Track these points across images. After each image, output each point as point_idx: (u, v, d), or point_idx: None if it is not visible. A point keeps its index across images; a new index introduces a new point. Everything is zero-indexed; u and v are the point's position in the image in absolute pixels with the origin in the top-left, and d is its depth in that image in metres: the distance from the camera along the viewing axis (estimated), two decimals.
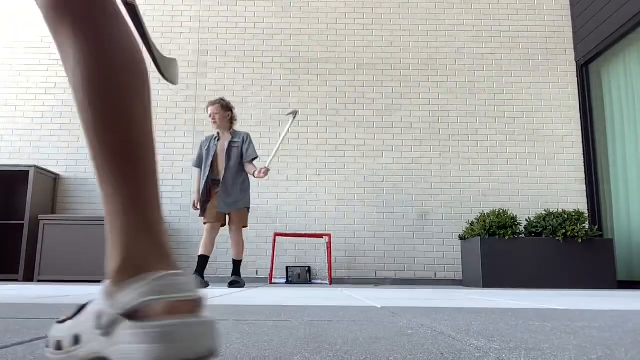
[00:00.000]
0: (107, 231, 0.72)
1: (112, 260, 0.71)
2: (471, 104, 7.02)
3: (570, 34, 7.17)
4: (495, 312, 1.96)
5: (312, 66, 7.13)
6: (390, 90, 7.04)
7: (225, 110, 5.10)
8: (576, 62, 7.06)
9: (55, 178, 6.78)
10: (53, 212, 6.68)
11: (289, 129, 5.24)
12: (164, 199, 6.71)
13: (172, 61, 1.13)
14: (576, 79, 7.04)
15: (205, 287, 4.56)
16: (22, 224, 6.16)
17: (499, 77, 7.10)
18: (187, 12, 7.29)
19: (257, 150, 5.22)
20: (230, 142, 5.04)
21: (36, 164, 6.47)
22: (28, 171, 6.29)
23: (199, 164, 5.13)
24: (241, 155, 5.00)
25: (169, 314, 0.64)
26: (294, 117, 5.28)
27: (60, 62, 7.14)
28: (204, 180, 4.94)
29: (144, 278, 0.66)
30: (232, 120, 5.15)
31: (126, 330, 0.63)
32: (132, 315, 0.64)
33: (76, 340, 0.73)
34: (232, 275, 4.89)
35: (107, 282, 0.70)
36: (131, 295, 0.65)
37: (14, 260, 6.14)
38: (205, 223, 4.87)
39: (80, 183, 6.81)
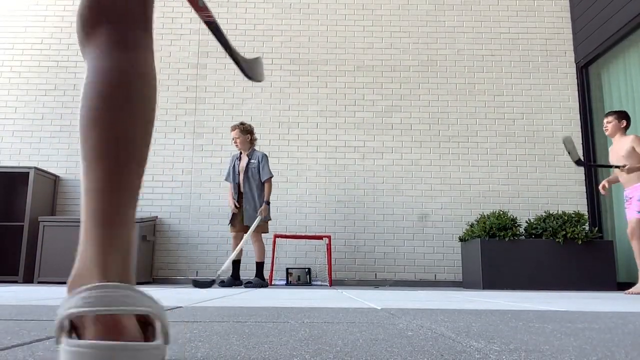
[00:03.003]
0: None
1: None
2: (471, 106, 7.02)
3: (570, 36, 7.17)
4: (495, 314, 1.96)
5: (312, 68, 7.14)
6: (390, 92, 7.04)
7: (244, 134, 5.74)
8: (576, 64, 7.07)
9: (55, 179, 6.78)
10: (53, 214, 6.68)
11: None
12: (164, 201, 6.72)
13: (256, 61, 1.18)
14: (576, 80, 7.04)
15: (239, 285, 5.58)
16: (22, 225, 6.16)
17: (499, 79, 7.10)
18: (187, 13, 7.30)
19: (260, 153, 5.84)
20: (249, 163, 5.73)
21: (36, 166, 6.47)
22: (28, 173, 6.29)
23: (228, 178, 5.88)
24: (259, 174, 5.71)
25: (96, 334, 0.61)
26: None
27: (60, 64, 7.16)
28: (234, 195, 5.74)
29: (79, 290, 0.62)
30: (252, 141, 5.83)
31: (61, 344, 0.59)
32: (65, 328, 0.61)
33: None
34: (255, 276, 5.65)
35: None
36: (62, 307, 0.62)
37: (13, 262, 6.13)
38: (231, 232, 5.74)
39: (80, 185, 6.79)
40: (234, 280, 5.61)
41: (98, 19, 0.77)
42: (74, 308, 0.60)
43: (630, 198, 4.86)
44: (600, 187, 5.16)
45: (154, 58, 0.81)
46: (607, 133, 5.18)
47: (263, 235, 5.77)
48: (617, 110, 5.29)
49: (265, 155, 5.80)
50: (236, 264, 5.66)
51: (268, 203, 5.65)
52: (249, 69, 1.11)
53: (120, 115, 0.74)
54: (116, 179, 0.72)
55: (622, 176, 4.96)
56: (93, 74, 0.76)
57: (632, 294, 4.69)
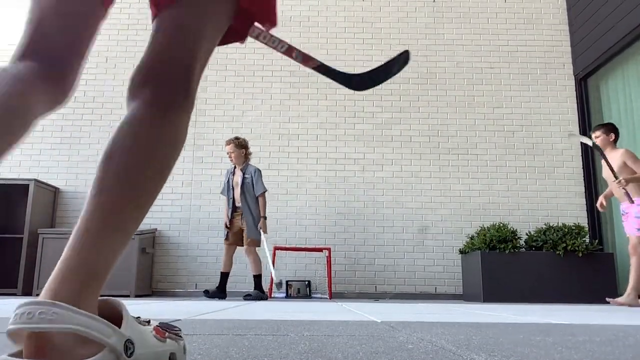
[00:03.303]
0: None
1: None
2: (470, 118, 7.04)
3: (569, 48, 7.21)
4: (496, 327, 1.95)
5: (312, 80, 7.17)
6: (389, 105, 7.07)
7: (239, 148, 5.77)
8: (575, 76, 7.10)
9: (55, 192, 6.78)
10: (52, 226, 6.67)
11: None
12: (163, 213, 6.71)
13: (371, 73, 1.24)
14: (575, 92, 7.07)
15: (222, 298, 5.49)
16: (22, 237, 6.15)
17: (498, 91, 7.13)
18: None
19: (258, 166, 5.95)
20: (243, 177, 5.75)
21: (36, 178, 6.47)
22: (28, 185, 6.29)
23: (223, 192, 5.94)
24: (253, 189, 5.71)
25: (26, 353, 0.63)
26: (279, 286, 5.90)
27: None
28: (228, 209, 5.78)
29: (17, 306, 0.65)
30: (246, 155, 5.86)
31: None
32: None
33: None
34: (254, 289, 5.64)
35: None
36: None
37: (13, 274, 6.11)
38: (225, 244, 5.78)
39: (80, 197, 6.81)
40: (219, 292, 5.60)
41: (144, 80, 0.86)
42: (9, 324, 0.63)
43: (627, 213, 4.85)
44: (598, 204, 5.15)
45: (189, 121, 0.89)
46: None
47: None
48: (604, 123, 5.26)
49: (259, 169, 5.83)
50: (224, 276, 5.68)
51: (265, 217, 5.69)
52: (356, 84, 1.20)
53: (133, 168, 0.79)
54: (106, 215, 0.75)
55: (616, 190, 4.94)
56: (122, 126, 0.82)
57: (615, 303, 4.72)
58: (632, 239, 4.76)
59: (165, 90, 0.86)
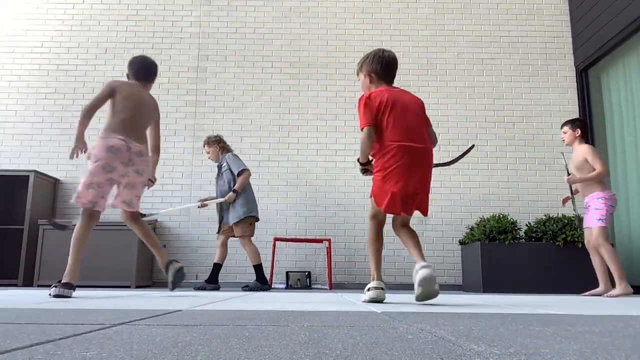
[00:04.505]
0: None
1: None
2: (471, 109, 7.02)
3: (570, 39, 7.18)
4: (496, 317, 1.96)
5: (312, 71, 7.14)
6: None
7: (212, 145, 5.80)
8: (575, 67, 7.08)
9: (55, 183, 6.78)
10: (53, 217, 6.67)
11: None
12: (164, 204, 6.71)
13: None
14: (575, 83, 7.05)
15: (216, 290, 5.42)
16: (22, 228, 6.16)
17: (499, 82, 7.10)
18: (187, 17, 7.31)
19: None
20: (219, 169, 5.76)
21: (36, 169, 6.47)
22: (28, 176, 6.29)
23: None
24: (233, 175, 5.61)
25: None
26: None
27: (60, 68, 7.16)
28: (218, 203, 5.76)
29: None
30: (222, 149, 5.82)
31: None
32: None
33: None
34: (255, 280, 5.57)
35: None
36: None
37: (13, 265, 6.13)
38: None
39: None
40: (207, 283, 5.55)
41: None
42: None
43: (589, 206, 4.90)
44: (562, 202, 5.21)
45: None
46: (565, 144, 5.24)
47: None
48: (573, 119, 5.31)
49: (234, 154, 5.76)
50: (216, 267, 5.65)
51: (236, 192, 5.50)
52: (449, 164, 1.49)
53: None
54: None
55: (579, 186, 5.03)
56: None
57: (590, 295, 4.80)
58: (594, 230, 4.80)
59: None
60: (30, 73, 7.17)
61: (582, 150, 4.93)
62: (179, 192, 6.80)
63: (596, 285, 4.95)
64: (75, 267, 3.50)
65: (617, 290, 4.68)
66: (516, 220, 5.98)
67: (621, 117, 6.29)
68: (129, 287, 5.88)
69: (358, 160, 3.14)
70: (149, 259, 6.47)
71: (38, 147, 6.94)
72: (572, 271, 5.57)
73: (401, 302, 3.01)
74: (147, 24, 7.26)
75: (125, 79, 3.98)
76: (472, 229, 6.11)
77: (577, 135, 5.05)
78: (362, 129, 3.03)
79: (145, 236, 3.91)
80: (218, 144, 5.78)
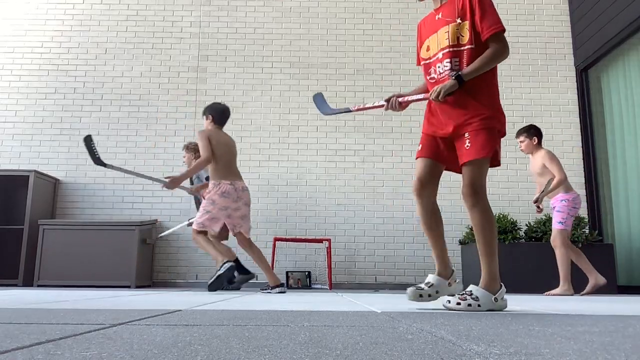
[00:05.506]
0: None
1: None
2: None
3: (570, 39, 7.18)
4: (495, 317, 1.96)
5: (312, 71, 7.14)
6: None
7: (189, 151, 5.73)
8: (575, 67, 7.07)
9: (55, 183, 6.78)
10: (53, 217, 6.67)
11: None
12: (164, 204, 6.71)
13: None
14: (576, 84, 7.05)
15: (250, 279, 5.54)
16: (22, 228, 6.16)
17: (499, 82, 7.08)
18: (187, 17, 7.31)
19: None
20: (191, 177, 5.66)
21: (36, 169, 6.47)
22: (28, 176, 6.29)
23: None
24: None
25: None
26: None
27: (60, 68, 7.16)
28: None
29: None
30: (196, 158, 5.71)
31: None
32: None
33: None
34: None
35: None
36: None
37: (13, 265, 6.12)
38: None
39: (80, 188, 6.81)
40: (240, 274, 5.43)
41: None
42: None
43: (554, 207, 5.04)
44: (536, 207, 5.13)
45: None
46: (524, 153, 5.34)
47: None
48: (526, 127, 5.32)
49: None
50: (236, 263, 5.40)
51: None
52: None
53: None
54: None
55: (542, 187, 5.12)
56: None
57: (550, 295, 4.88)
58: (553, 232, 4.96)
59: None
60: (30, 73, 7.17)
61: (540, 156, 5.07)
62: (179, 192, 6.79)
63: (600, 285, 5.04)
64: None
65: (559, 289, 4.87)
66: (516, 220, 5.98)
67: (621, 117, 6.29)
68: (129, 287, 5.88)
69: (459, 77, 2.53)
70: (149, 259, 6.47)
71: (38, 147, 6.94)
72: (572, 271, 5.56)
73: (401, 302, 3.00)
74: (147, 24, 7.26)
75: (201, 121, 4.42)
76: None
77: (534, 143, 5.16)
78: (502, 31, 2.56)
79: (258, 260, 4.61)
80: (195, 153, 5.58)
